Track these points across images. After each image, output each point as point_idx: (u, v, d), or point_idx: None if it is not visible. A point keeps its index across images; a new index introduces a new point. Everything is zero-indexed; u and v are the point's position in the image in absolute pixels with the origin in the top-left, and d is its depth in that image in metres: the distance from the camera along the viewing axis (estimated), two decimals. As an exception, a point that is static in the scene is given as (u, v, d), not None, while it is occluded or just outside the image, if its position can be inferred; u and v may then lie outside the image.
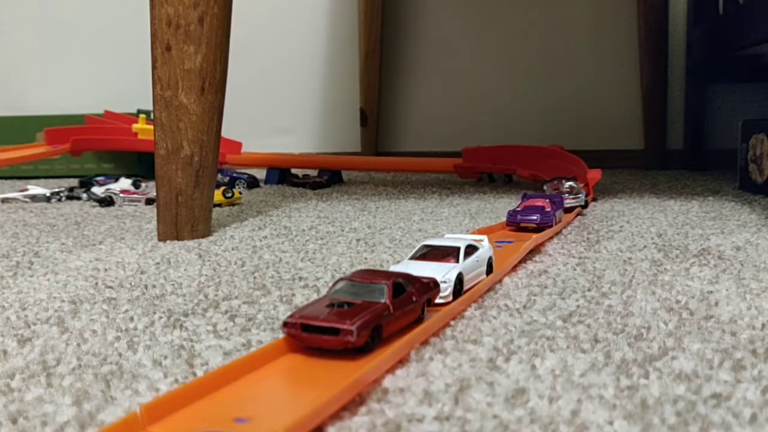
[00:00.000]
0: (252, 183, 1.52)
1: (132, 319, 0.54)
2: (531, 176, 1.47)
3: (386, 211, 1.14)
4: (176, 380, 0.41)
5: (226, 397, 0.36)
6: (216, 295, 0.61)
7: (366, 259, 0.76)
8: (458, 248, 0.58)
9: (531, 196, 0.95)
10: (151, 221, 1.05)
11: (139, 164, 1.88)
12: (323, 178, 1.59)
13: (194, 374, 0.42)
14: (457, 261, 0.56)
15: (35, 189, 1.37)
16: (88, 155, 1.86)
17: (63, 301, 0.59)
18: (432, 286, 0.50)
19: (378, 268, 0.71)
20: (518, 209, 0.88)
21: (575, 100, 2.06)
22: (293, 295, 0.60)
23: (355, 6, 2.12)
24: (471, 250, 0.59)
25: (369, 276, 0.47)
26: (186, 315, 0.55)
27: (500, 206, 1.18)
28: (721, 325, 0.50)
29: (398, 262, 0.72)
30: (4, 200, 1.32)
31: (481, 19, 2.09)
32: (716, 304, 0.56)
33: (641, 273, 0.67)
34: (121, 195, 1.28)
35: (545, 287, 0.62)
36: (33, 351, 0.47)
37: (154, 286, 0.64)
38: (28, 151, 1.60)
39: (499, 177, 1.64)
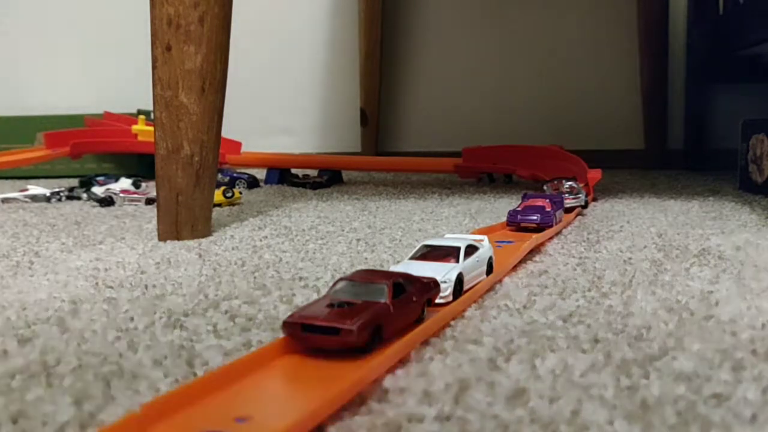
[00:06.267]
0: (252, 183, 1.52)
1: (132, 319, 0.54)
2: (531, 176, 1.47)
3: (386, 211, 1.14)
4: (176, 380, 0.41)
5: (226, 397, 0.36)
6: (216, 295, 0.61)
7: (366, 259, 0.76)
8: (458, 248, 0.58)
9: (531, 196, 0.95)
10: (151, 221, 1.05)
11: (139, 164, 1.88)
12: (323, 178, 1.59)
13: (194, 374, 0.42)
14: (457, 261, 0.56)
15: (35, 189, 1.37)
16: (88, 155, 1.86)
17: (63, 301, 0.59)
18: (432, 286, 0.50)
19: (378, 268, 0.71)
20: (518, 209, 0.88)
21: (575, 100, 2.06)
22: (293, 295, 0.60)
23: (355, 6, 2.12)
24: (471, 250, 0.59)
25: (369, 276, 0.47)
26: (186, 315, 0.55)
27: (500, 206, 1.18)
28: (721, 325, 0.50)
29: (398, 262, 0.72)
30: (4, 200, 1.32)
31: (482, 19, 2.09)
32: (716, 304, 0.56)
33: (641, 273, 0.67)
34: (121, 195, 1.28)
35: (545, 287, 0.62)
36: (33, 351, 0.47)
37: (154, 286, 0.64)
38: (28, 154, 1.60)
39: (499, 177, 1.64)
